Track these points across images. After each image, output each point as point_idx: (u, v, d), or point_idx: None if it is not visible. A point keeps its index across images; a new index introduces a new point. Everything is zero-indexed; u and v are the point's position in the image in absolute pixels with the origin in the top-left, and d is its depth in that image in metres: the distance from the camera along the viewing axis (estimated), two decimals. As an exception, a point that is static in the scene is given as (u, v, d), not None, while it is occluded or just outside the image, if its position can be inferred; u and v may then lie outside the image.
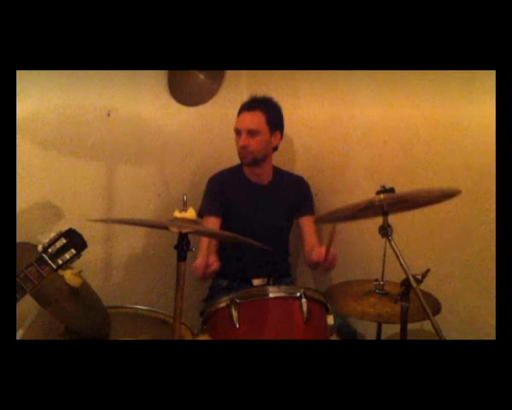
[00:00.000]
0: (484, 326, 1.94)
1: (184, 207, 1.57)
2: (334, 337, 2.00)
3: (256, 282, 2.30)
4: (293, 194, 2.38)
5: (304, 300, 1.83)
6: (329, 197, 2.48)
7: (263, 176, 2.34)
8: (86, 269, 1.85)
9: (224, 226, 2.25)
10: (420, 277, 1.49)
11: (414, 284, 1.46)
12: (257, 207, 2.31)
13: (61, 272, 1.67)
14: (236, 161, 2.33)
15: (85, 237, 1.57)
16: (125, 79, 2.29)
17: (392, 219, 1.57)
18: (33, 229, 2.08)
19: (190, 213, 1.57)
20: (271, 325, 1.87)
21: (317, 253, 2.09)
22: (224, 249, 2.25)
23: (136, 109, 2.36)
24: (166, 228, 1.60)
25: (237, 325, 1.80)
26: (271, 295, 1.88)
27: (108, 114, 2.27)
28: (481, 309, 1.96)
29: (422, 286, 1.49)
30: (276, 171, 2.40)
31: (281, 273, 2.38)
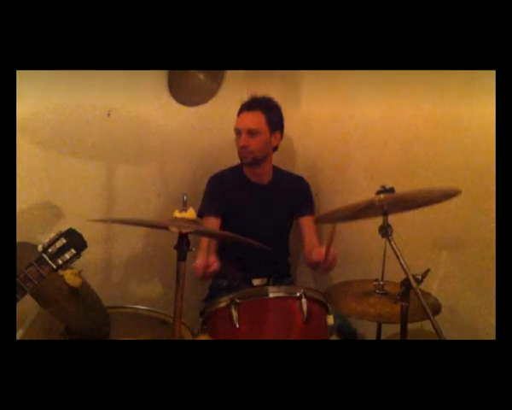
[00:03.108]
0: (484, 326, 1.94)
1: (184, 207, 1.58)
2: (334, 337, 2.01)
3: (256, 282, 2.30)
4: (293, 194, 2.37)
5: (304, 300, 1.83)
6: (329, 197, 2.48)
7: (263, 176, 2.34)
8: (86, 269, 1.85)
9: (223, 226, 2.25)
10: (420, 277, 1.49)
11: (414, 284, 1.46)
12: (257, 207, 2.31)
13: (61, 272, 1.66)
14: (236, 160, 2.33)
15: (85, 237, 1.57)
16: (125, 79, 2.29)
17: (392, 219, 1.57)
18: (33, 229, 2.08)
19: (190, 213, 1.58)
20: (271, 325, 1.87)
21: (317, 253, 2.09)
22: (223, 249, 2.25)
23: (136, 109, 2.36)
24: (166, 228, 1.61)
25: (237, 325, 1.80)
26: (271, 295, 1.88)
27: (108, 114, 2.27)
28: (481, 309, 1.96)
29: (422, 286, 1.49)
30: (276, 171, 2.39)
31: (281, 273, 2.38)
